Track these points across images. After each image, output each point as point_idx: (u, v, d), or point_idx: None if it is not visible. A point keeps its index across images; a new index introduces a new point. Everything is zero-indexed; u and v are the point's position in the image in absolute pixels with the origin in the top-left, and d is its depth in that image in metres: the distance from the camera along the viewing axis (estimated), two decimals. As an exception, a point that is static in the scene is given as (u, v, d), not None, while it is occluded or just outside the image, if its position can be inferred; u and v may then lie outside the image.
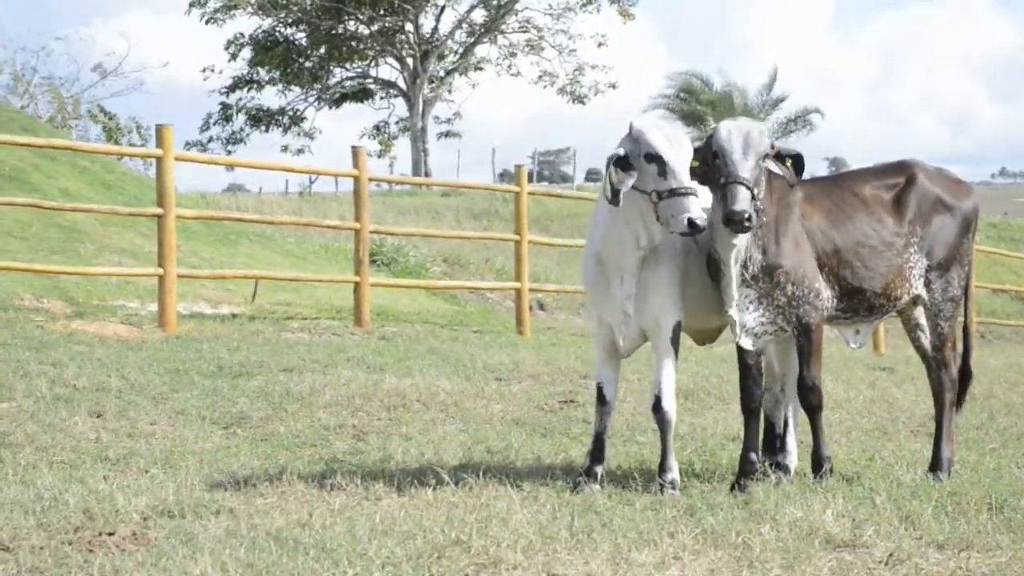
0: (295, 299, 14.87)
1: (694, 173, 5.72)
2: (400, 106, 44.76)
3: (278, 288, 15.20)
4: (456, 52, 44.11)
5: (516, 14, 43.61)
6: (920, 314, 6.39)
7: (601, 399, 6.07)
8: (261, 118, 43.95)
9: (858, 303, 6.11)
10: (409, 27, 42.99)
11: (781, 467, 6.27)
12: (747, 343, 5.92)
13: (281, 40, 42.76)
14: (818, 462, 6.10)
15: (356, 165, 13.49)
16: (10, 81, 37.52)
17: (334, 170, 17.88)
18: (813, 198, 6.05)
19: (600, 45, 43.67)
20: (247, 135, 44.16)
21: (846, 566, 4.65)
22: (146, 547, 4.78)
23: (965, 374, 6.54)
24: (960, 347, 6.54)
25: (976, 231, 6.50)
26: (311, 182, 40.06)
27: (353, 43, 43.32)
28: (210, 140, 43.87)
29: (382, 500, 5.66)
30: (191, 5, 41.98)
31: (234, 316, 12.93)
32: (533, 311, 17.98)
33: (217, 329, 11.75)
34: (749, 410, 5.97)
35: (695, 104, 43.10)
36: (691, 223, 5.55)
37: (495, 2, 42.91)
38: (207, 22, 42.09)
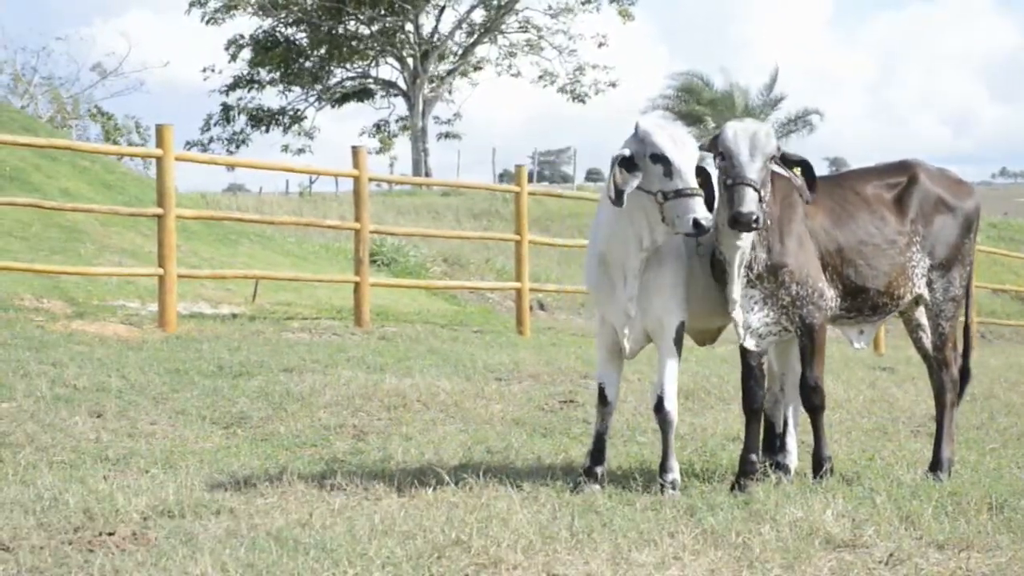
0: (295, 299, 14.87)
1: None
2: (400, 106, 44.82)
3: (278, 288, 15.20)
4: (456, 52, 44.13)
5: (516, 14, 43.62)
6: (921, 314, 6.39)
7: (602, 399, 6.06)
8: (262, 118, 43.96)
9: (862, 302, 6.11)
10: (409, 27, 43.00)
11: (781, 467, 6.27)
12: (751, 344, 5.92)
13: (281, 40, 42.77)
14: (819, 462, 6.10)
15: (356, 165, 13.49)
16: (10, 81, 37.58)
17: (334, 170, 17.90)
18: (816, 198, 6.05)
19: (600, 45, 43.72)
20: (248, 136, 44.21)
21: (846, 566, 4.65)
22: (146, 547, 4.78)
23: (964, 374, 6.54)
24: (960, 347, 6.54)
25: (978, 231, 6.49)
26: (311, 182, 40.11)
27: (353, 43, 43.33)
28: (211, 141, 43.92)
29: (382, 500, 5.66)
30: (191, 5, 42.00)
31: (234, 316, 12.93)
32: (533, 311, 17.98)
33: (217, 329, 11.75)
34: (751, 411, 5.97)
35: (695, 104, 43.09)
36: (696, 224, 5.54)
37: (495, 2, 42.91)
38: (207, 22, 42.11)
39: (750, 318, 5.89)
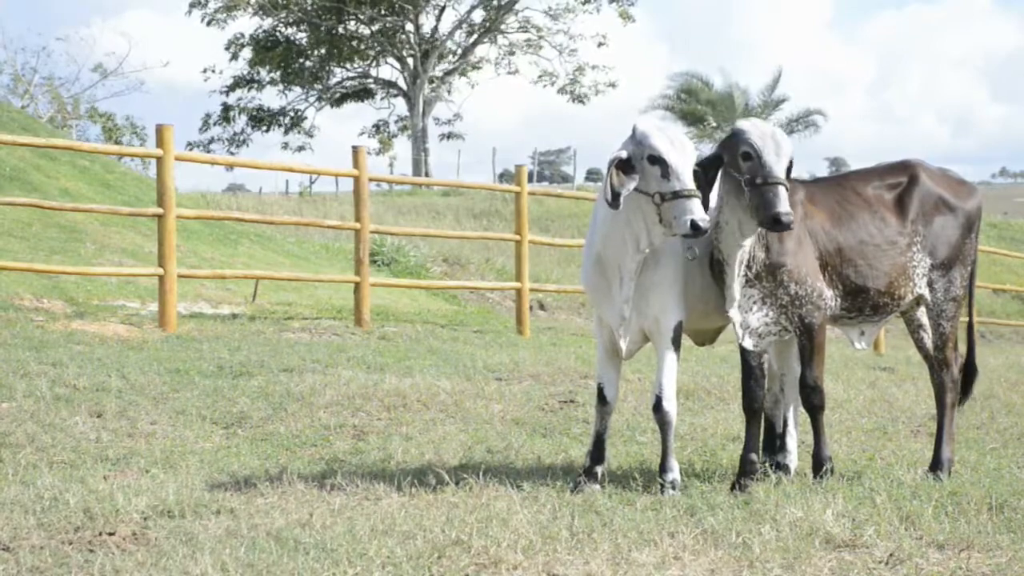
0: (295, 299, 14.87)
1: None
2: (400, 106, 44.85)
3: (278, 288, 15.20)
4: (456, 52, 44.14)
5: (516, 14, 43.64)
6: (922, 314, 6.39)
7: (602, 399, 6.07)
8: (262, 118, 43.98)
9: (862, 302, 6.11)
10: (409, 27, 43.02)
11: (781, 467, 6.27)
12: (750, 344, 5.92)
13: (281, 40, 42.80)
14: (819, 462, 6.09)
15: (356, 165, 13.49)
16: (10, 81, 37.56)
17: (334, 170, 17.87)
18: (815, 198, 6.06)
19: (600, 45, 43.73)
20: (249, 136, 44.24)
21: (846, 566, 4.65)
22: (146, 547, 4.78)
23: (970, 371, 6.54)
24: (964, 345, 6.54)
25: (980, 231, 6.49)
26: (311, 182, 40.12)
27: (353, 43, 43.36)
28: (211, 141, 43.93)
29: (382, 500, 5.66)
30: (192, 6, 42.03)
31: (234, 316, 12.93)
32: (533, 311, 17.99)
33: (217, 329, 11.75)
34: (751, 410, 5.97)
35: (695, 104, 43.08)
36: (694, 225, 5.54)
37: (495, 2, 42.92)
38: (208, 23, 42.13)
39: (749, 318, 5.89)
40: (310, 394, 8.20)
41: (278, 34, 43.00)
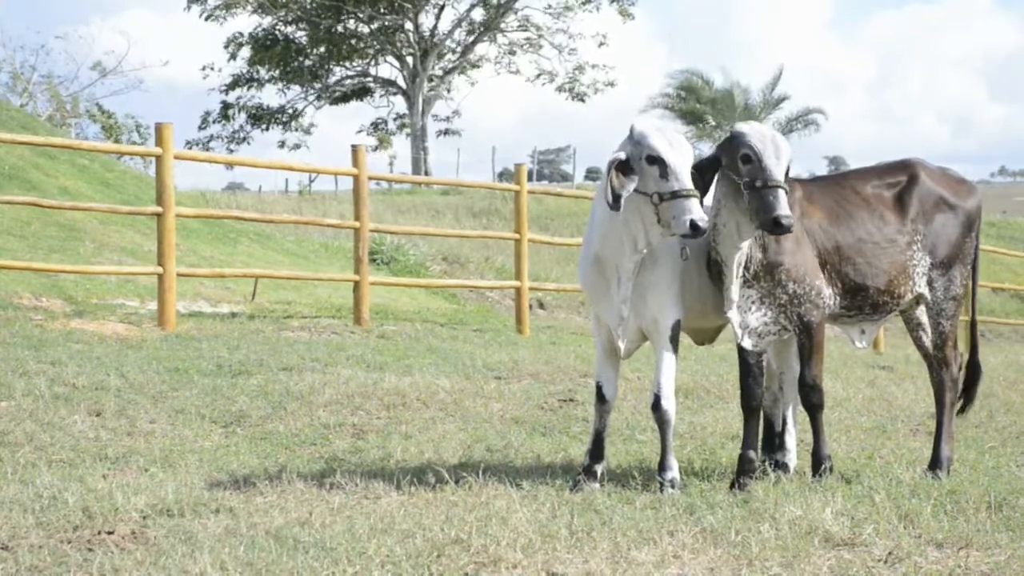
0: (295, 298, 14.87)
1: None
2: (400, 104, 44.82)
3: (278, 287, 15.20)
4: (455, 51, 44.12)
5: (515, 13, 43.63)
6: (922, 313, 6.40)
7: (600, 398, 6.07)
8: (261, 116, 43.97)
9: (862, 301, 6.11)
10: (409, 25, 43.00)
11: (780, 465, 6.27)
12: (749, 344, 5.92)
13: (281, 38, 42.78)
14: (818, 461, 6.10)
15: (356, 163, 13.48)
16: (9, 79, 37.52)
17: (334, 169, 17.85)
18: (814, 197, 6.06)
19: (600, 44, 43.72)
20: (248, 134, 44.22)
21: (845, 564, 4.65)
22: (145, 546, 4.78)
23: (974, 370, 6.54)
24: (967, 344, 6.54)
25: (980, 230, 6.49)
26: (311, 180, 40.10)
27: (353, 41, 43.34)
28: (210, 139, 43.92)
29: (381, 499, 5.66)
30: (190, 2, 42.00)
31: (234, 315, 12.93)
32: (533, 310, 17.98)
33: (217, 328, 11.75)
34: (749, 409, 5.98)
35: (695, 102, 43.04)
36: (693, 225, 5.54)
37: (495, 1, 42.90)
38: (207, 19, 42.10)
39: (748, 318, 5.89)
40: (309, 393, 8.20)
41: (277, 32, 42.98)
